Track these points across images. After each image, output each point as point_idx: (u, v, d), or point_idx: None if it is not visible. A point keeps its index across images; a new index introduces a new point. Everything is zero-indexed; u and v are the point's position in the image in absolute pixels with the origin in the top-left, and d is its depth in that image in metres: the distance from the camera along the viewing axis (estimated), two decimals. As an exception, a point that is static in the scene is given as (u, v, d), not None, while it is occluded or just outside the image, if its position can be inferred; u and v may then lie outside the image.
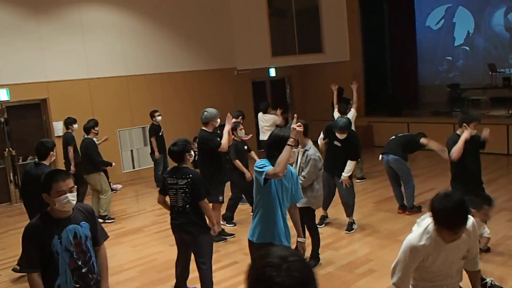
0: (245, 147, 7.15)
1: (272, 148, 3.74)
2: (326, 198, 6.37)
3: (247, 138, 7.29)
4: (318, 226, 5.84)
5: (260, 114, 9.72)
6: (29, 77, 9.40)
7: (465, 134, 5.11)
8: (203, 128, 6.26)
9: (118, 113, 10.45)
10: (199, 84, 11.80)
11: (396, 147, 6.89)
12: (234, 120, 7.92)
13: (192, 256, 4.65)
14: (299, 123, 3.70)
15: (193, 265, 4.66)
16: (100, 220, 6.38)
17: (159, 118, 9.74)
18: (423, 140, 6.88)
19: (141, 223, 7.65)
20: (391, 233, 6.29)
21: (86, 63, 10.15)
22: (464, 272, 3.05)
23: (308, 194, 5.25)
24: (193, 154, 4.70)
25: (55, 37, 9.73)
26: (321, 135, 6.69)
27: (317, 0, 12.58)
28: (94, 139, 9.16)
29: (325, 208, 6.81)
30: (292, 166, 4.95)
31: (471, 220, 2.85)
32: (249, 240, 3.94)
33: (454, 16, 15.18)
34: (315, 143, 5.50)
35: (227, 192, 6.82)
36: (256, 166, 3.72)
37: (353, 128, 7.39)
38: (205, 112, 6.27)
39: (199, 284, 4.60)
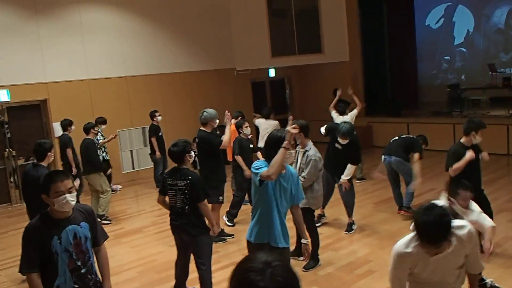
0: (251, 146, 7.17)
1: (270, 148, 3.74)
2: (325, 197, 6.37)
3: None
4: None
5: (263, 120, 9.12)
6: (29, 78, 9.41)
7: (468, 155, 4.94)
8: (202, 128, 6.26)
9: (118, 114, 10.45)
10: (198, 84, 11.81)
11: (398, 149, 6.85)
12: (233, 120, 7.97)
13: (192, 257, 4.65)
14: (293, 125, 3.70)
15: (192, 266, 4.66)
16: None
17: (159, 118, 9.77)
18: (416, 155, 6.66)
19: (140, 224, 7.65)
20: (390, 233, 6.29)
21: (85, 64, 10.15)
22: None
23: (308, 195, 5.24)
24: (193, 155, 4.69)
25: (55, 38, 9.73)
26: (323, 130, 6.74)
27: (316, 0, 12.58)
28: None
29: (323, 206, 6.81)
30: (292, 166, 4.95)
31: (466, 229, 2.78)
32: (247, 240, 3.95)
33: (453, 14, 15.18)
34: (316, 143, 5.50)
35: (227, 193, 6.82)
36: (252, 167, 3.73)
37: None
38: (204, 112, 6.27)
39: (199, 284, 4.60)
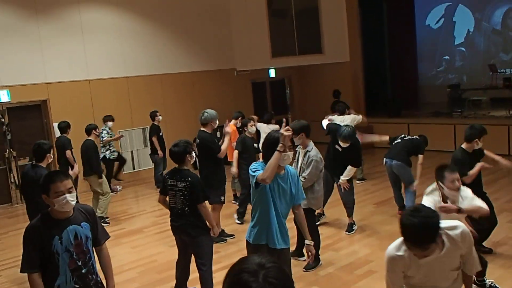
0: (255, 145, 7.18)
1: (268, 149, 3.71)
2: (324, 196, 6.37)
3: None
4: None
5: (264, 124, 8.91)
6: (29, 78, 9.40)
7: (479, 165, 4.96)
8: (202, 129, 6.26)
9: (118, 114, 10.45)
10: (199, 85, 11.81)
11: (401, 152, 6.77)
12: (233, 121, 7.98)
13: (193, 257, 4.64)
14: (287, 128, 3.69)
15: (193, 266, 4.66)
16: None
17: (160, 118, 9.86)
18: (421, 157, 6.68)
19: (141, 224, 7.65)
20: (391, 234, 6.28)
21: (86, 64, 10.15)
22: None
23: (309, 196, 5.24)
24: (194, 156, 4.68)
25: (55, 38, 9.73)
26: (325, 125, 6.76)
27: (316, 0, 12.58)
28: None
29: (322, 205, 6.80)
30: (292, 166, 4.95)
31: (459, 229, 2.72)
32: (246, 240, 3.94)
33: (454, 14, 15.18)
34: (316, 143, 5.49)
35: (227, 193, 6.82)
36: (250, 169, 3.73)
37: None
38: (205, 113, 6.27)
39: (199, 285, 4.60)
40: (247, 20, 12.15)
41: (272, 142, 3.71)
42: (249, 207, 7.27)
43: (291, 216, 3.98)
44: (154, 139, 9.68)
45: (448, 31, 15.36)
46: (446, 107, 13.08)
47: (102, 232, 3.31)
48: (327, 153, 6.64)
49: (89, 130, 7.91)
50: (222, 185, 6.32)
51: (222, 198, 6.29)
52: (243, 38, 12.22)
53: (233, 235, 6.64)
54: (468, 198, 3.77)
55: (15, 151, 9.48)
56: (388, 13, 15.66)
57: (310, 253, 4.06)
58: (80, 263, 3.06)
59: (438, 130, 11.10)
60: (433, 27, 15.70)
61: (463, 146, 5.13)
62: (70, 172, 6.51)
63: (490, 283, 4.56)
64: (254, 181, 3.65)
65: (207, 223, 4.56)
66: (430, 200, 3.72)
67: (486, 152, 5.39)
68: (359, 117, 8.42)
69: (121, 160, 10.32)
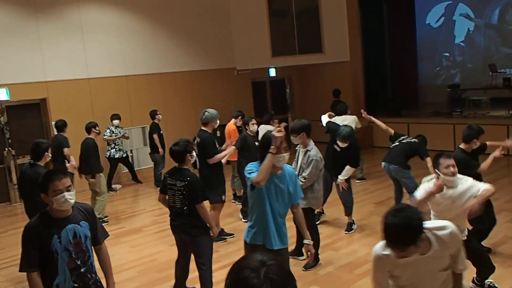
0: (257, 144, 7.17)
1: (264, 149, 3.65)
2: (323, 195, 6.36)
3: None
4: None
5: (263, 125, 8.81)
6: (28, 77, 9.39)
7: (492, 156, 4.98)
8: (203, 128, 6.25)
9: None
10: (198, 84, 11.80)
11: (398, 156, 6.67)
12: (233, 120, 7.98)
13: (192, 256, 4.64)
14: (279, 129, 3.67)
15: (193, 265, 4.65)
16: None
17: (160, 117, 9.92)
18: (428, 160, 6.40)
19: (140, 223, 7.65)
20: (391, 233, 6.27)
21: (85, 63, 10.14)
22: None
23: (309, 195, 5.24)
24: (195, 155, 4.67)
25: (54, 37, 9.72)
26: (324, 122, 6.77)
27: (317, 0, 12.58)
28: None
29: (322, 204, 6.79)
30: (292, 165, 4.94)
31: (448, 229, 2.67)
32: (244, 240, 3.93)
33: (454, 13, 15.17)
34: (316, 143, 5.49)
35: (227, 192, 6.81)
36: (245, 170, 3.71)
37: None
38: (206, 112, 6.26)
39: (199, 284, 4.60)
40: (247, 20, 12.14)
41: (267, 142, 3.65)
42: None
43: (290, 215, 3.97)
44: (155, 136, 9.72)
45: (448, 29, 15.35)
46: (446, 107, 13.08)
47: (101, 231, 3.31)
48: (326, 152, 6.63)
49: (88, 128, 7.90)
50: (222, 185, 6.30)
51: (223, 197, 6.28)
52: (243, 37, 12.22)
53: (233, 234, 6.64)
54: (469, 181, 3.81)
55: (14, 149, 9.47)
56: (388, 13, 15.66)
57: (309, 253, 4.03)
58: (79, 262, 3.06)
59: (438, 130, 11.10)
60: (433, 26, 15.69)
61: (462, 146, 5.15)
62: (67, 165, 6.49)
63: (489, 283, 4.56)
64: (250, 183, 3.62)
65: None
66: (425, 186, 3.78)
67: (488, 143, 5.46)
68: (357, 120, 8.41)
69: (127, 163, 10.35)
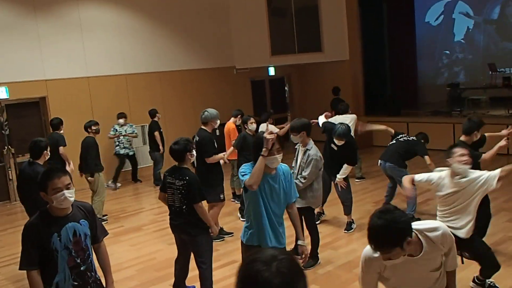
0: None
1: (257, 150, 3.60)
2: (323, 195, 6.35)
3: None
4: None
5: (263, 125, 9.23)
6: (28, 76, 9.38)
7: (498, 146, 5.05)
8: (203, 127, 6.24)
9: (117, 112, 10.40)
10: (198, 82, 11.79)
11: (394, 154, 6.66)
12: (232, 118, 7.97)
13: (192, 255, 4.63)
14: (270, 131, 3.65)
15: (192, 264, 4.65)
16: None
17: (159, 116, 9.99)
18: (427, 159, 6.35)
19: (140, 222, 7.65)
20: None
21: (85, 61, 10.13)
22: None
23: (308, 194, 5.24)
24: (195, 155, 4.67)
25: (53, 35, 9.71)
26: (320, 123, 6.81)
27: (316, -1, 12.57)
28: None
29: (322, 204, 6.79)
30: (292, 164, 4.93)
31: (440, 231, 2.66)
32: (241, 239, 3.93)
33: (453, 11, 15.17)
34: (316, 142, 5.48)
35: (227, 191, 6.81)
36: (239, 172, 3.71)
37: (351, 132, 7.28)
38: (206, 112, 6.25)
39: (199, 283, 4.60)
40: (246, 18, 12.13)
41: (260, 143, 3.59)
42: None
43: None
44: (157, 133, 9.81)
45: (447, 28, 15.34)
46: (446, 106, 13.08)
47: (100, 229, 3.31)
48: (324, 151, 6.62)
49: (86, 127, 7.88)
50: (220, 184, 6.30)
51: (222, 196, 6.28)
52: (243, 36, 12.20)
53: (232, 233, 6.63)
54: (476, 172, 3.92)
55: (14, 148, 9.46)
56: (388, 12, 15.64)
57: (303, 254, 3.96)
58: (79, 261, 3.06)
59: (438, 129, 11.09)
60: (433, 24, 15.68)
61: (462, 139, 5.17)
62: (67, 168, 6.50)
63: (489, 283, 4.55)
64: (243, 185, 3.62)
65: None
66: (437, 173, 3.96)
67: (487, 134, 5.56)
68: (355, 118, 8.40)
69: (132, 161, 10.46)
